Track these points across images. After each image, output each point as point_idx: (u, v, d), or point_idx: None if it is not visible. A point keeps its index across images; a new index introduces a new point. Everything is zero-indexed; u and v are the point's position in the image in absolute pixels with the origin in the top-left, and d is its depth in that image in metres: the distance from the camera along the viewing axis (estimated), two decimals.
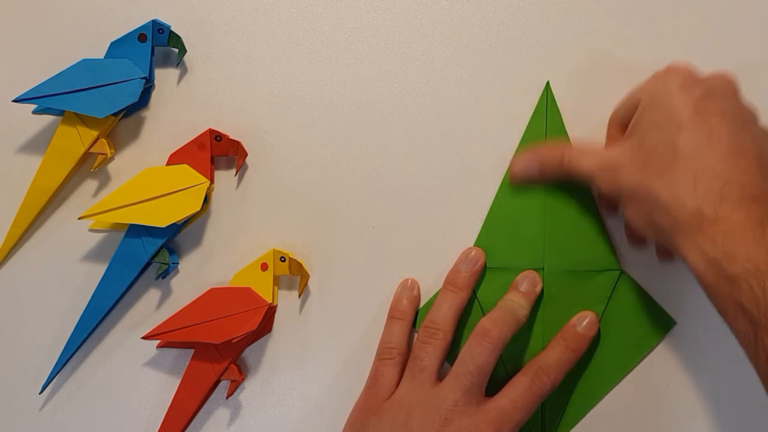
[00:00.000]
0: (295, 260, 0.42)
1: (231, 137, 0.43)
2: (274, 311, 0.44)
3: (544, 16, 0.44)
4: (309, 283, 0.44)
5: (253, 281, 0.42)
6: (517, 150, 0.42)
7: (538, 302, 0.41)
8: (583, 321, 0.40)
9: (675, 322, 0.42)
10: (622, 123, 0.39)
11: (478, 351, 0.38)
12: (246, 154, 0.44)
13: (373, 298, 0.44)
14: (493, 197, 0.43)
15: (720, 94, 0.34)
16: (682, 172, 0.32)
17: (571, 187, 0.41)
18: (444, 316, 0.40)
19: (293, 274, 0.43)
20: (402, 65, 0.44)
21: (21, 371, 0.44)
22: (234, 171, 0.44)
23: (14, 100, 0.41)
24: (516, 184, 0.42)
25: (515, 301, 0.40)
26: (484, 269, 0.42)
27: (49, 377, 0.43)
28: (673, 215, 0.32)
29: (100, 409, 0.44)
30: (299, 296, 0.44)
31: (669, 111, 0.34)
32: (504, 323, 0.39)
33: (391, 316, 0.42)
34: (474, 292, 0.42)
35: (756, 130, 0.34)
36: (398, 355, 0.41)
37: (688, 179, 0.32)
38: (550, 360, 0.39)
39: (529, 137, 0.42)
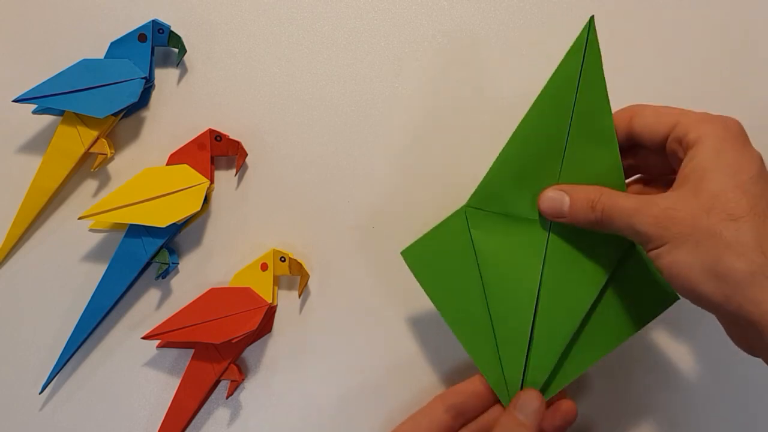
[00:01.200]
0: (295, 260, 0.42)
1: (231, 137, 0.43)
2: (274, 311, 0.44)
3: None
4: (309, 283, 0.44)
5: (253, 281, 0.42)
6: (540, 97, 0.37)
7: (538, 261, 0.38)
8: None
9: (678, 298, 0.38)
10: (644, 129, 0.36)
11: None
12: (246, 154, 0.44)
13: (373, 298, 0.44)
14: (508, 139, 0.38)
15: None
16: (761, 220, 0.30)
17: (593, 153, 0.37)
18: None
19: (293, 274, 0.43)
20: (402, 65, 0.44)
21: (21, 371, 0.44)
22: (234, 171, 0.44)
23: (14, 100, 0.41)
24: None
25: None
26: (487, 213, 0.39)
27: (49, 377, 0.43)
28: (749, 261, 0.29)
29: (100, 409, 0.44)
30: (299, 296, 0.44)
31: (735, 161, 0.32)
32: None
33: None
34: (470, 232, 0.39)
35: None
36: None
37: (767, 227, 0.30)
38: None
39: (559, 82, 0.37)
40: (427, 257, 0.40)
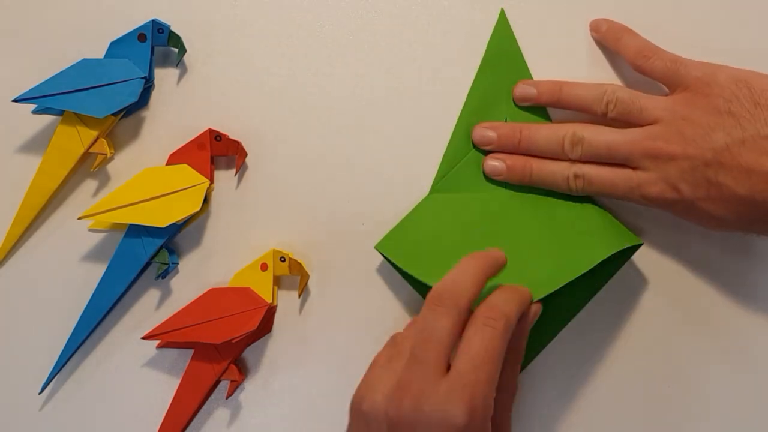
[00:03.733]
0: (295, 260, 0.42)
1: (231, 137, 0.43)
2: (274, 311, 0.44)
3: None
4: (309, 283, 0.44)
5: (253, 281, 0.42)
6: (473, 86, 0.43)
7: (500, 230, 0.40)
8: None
9: (641, 243, 0.39)
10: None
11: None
12: (246, 154, 0.44)
13: (373, 297, 0.44)
14: (454, 126, 0.43)
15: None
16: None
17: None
18: (462, 280, 0.33)
19: (293, 274, 0.43)
20: (402, 65, 0.44)
21: (21, 371, 0.44)
22: (234, 171, 0.44)
23: (14, 100, 0.41)
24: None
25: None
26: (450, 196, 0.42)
27: (49, 377, 0.43)
28: None
29: (100, 409, 0.44)
30: (299, 296, 0.44)
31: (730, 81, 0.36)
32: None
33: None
34: (440, 217, 0.41)
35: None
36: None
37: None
38: (494, 300, 0.33)
39: (486, 71, 0.43)
40: (402, 246, 0.41)
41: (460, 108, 0.43)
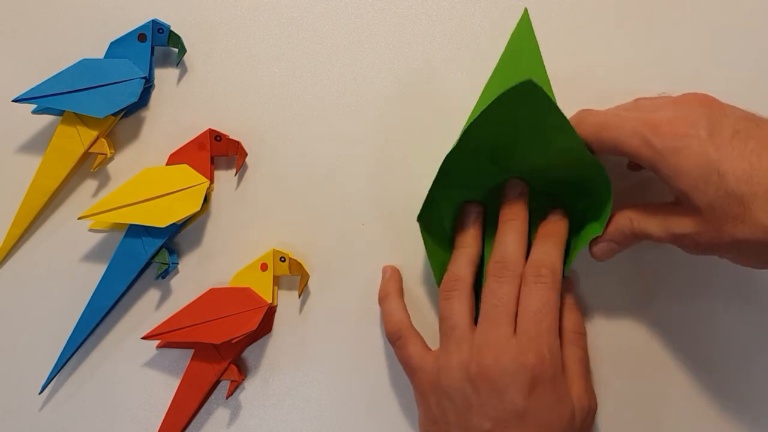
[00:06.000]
0: (295, 260, 0.42)
1: (231, 137, 0.43)
2: (274, 311, 0.44)
3: None
4: (309, 283, 0.44)
5: (253, 281, 0.42)
6: (486, 86, 0.41)
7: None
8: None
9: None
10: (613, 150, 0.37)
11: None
12: (246, 154, 0.44)
13: (373, 297, 0.43)
14: (467, 121, 0.41)
15: (716, 119, 0.34)
16: (758, 206, 0.32)
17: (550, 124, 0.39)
18: (464, 268, 0.39)
19: (293, 274, 0.43)
20: (402, 65, 0.44)
21: (21, 371, 0.44)
22: (234, 171, 0.44)
23: (14, 100, 0.41)
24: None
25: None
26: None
27: (49, 377, 0.43)
28: None
29: (100, 409, 0.44)
30: (299, 296, 0.44)
31: (694, 169, 0.33)
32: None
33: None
34: (441, 212, 0.42)
35: (758, 116, 0.34)
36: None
37: (767, 207, 0.32)
38: (536, 256, 0.38)
39: (502, 72, 0.41)
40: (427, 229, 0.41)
41: (460, 108, 0.43)
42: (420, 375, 0.39)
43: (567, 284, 0.41)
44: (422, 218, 0.40)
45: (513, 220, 0.40)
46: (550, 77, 0.40)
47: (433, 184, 0.39)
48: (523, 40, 0.41)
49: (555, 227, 0.40)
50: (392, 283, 0.43)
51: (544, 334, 0.36)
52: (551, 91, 0.40)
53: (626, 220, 0.38)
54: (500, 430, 0.35)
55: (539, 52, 0.41)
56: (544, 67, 0.41)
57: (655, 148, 0.34)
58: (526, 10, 0.41)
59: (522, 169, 0.41)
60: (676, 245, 0.36)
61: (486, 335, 0.36)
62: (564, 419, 0.36)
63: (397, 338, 0.40)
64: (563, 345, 0.38)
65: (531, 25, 0.41)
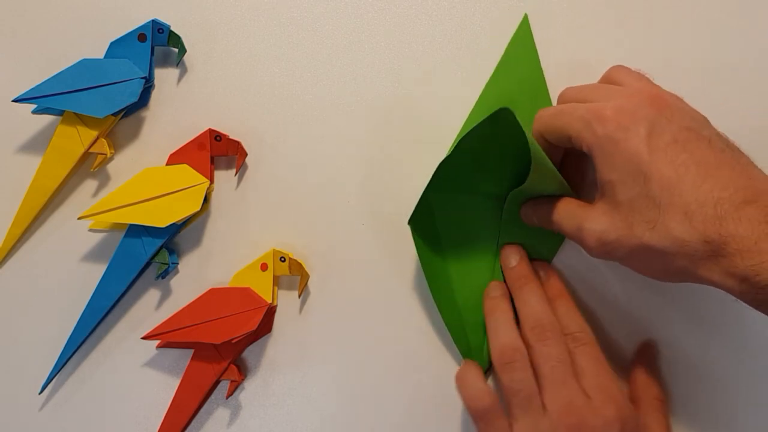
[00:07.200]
0: (295, 260, 0.42)
1: (231, 137, 0.43)
2: (274, 311, 0.44)
3: None
4: (309, 283, 0.44)
5: (253, 281, 0.42)
6: (487, 85, 0.42)
7: (494, 233, 0.43)
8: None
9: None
10: (557, 143, 0.38)
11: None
12: (246, 154, 0.44)
13: (373, 297, 0.44)
14: (462, 127, 0.43)
15: (661, 123, 0.34)
16: (672, 217, 0.32)
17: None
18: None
19: (293, 274, 0.43)
20: (402, 65, 0.44)
21: (21, 371, 0.44)
22: (234, 171, 0.44)
23: (14, 100, 0.41)
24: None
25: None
26: (448, 193, 0.42)
27: (49, 377, 0.43)
28: (685, 256, 0.32)
29: (100, 409, 0.44)
30: (299, 296, 0.44)
31: (627, 163, 0.33)
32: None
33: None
34: (434, 215, 0.42)
35: (705, 131, 0.34)
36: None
37: (680, 220, 0.32)
38: (564, 323, 0.40)
39: (500, 76, 0.42)
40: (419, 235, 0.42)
41: (460, 108, 0.43)
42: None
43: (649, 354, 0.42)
44: (413, 222, 0.40)
45: (526, 284, 0.41)
46: (550, 77, 0.40)
47: (426, 188, 0.39)
48: (522, 45, 0.42)
49: (554, 287, 0.42)
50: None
51: (610, 386, 0.37)
52: (548, 95, 0.41)
53: (548, 208, 0.39)
54: None
55: (537, 58, 0.42)
56: (542, 71, 0.41)
57: (596, 134, 0.34)
58: (526, 16, 0.42)
59: (506, 176, 0.41)
60: (582, 245, 0.36)
61: (561, 396, 0.37)
62: None
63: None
64: (645, 413, 0.40)
65: (530, 30, 0.42)
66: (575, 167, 0.41)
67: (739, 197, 0.31)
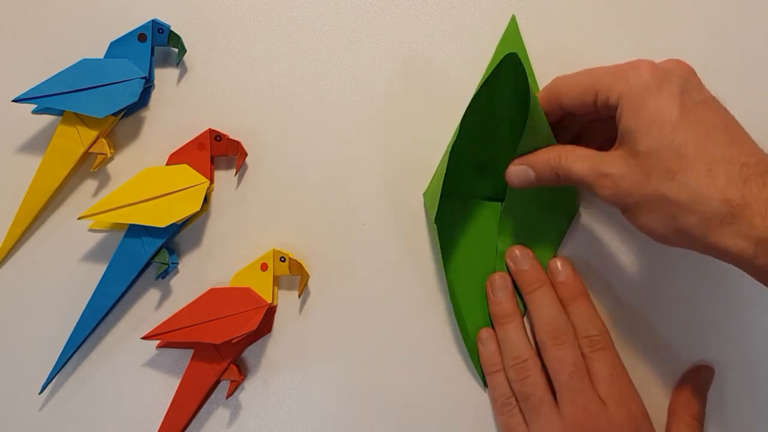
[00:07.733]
0: (295, 260, 0.42)
1: (231, 137, 0.43)
2: (274, 311, 0.44)
3: None
4: (309, 283, 0.44)
5: (253, 281, 0.42)
6: (479, 86, 0.41)
7: (493, 237, 0.43)
8: (560, 268, 0.42)
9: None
10: (572, 104, 0.38)
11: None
12: (246, 154, 0.44)
13: (373, 297, 0.44)
14: (455, 132, 0.42)
15: (693, 84, 0.35)
16: (694, 170, 0.32)
17: (535, 131, 0.40)
18: (522, 345, 0.41)
19: (293, 274, 0.43)
20: (402, 65, 0.44)
21: (21, 371, 0.44)
22: (234, 171, 0.44)
23: (14, 100, 0.41)
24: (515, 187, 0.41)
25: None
26: (443, 198, 0.41)
27: (49, 377, 0.43)
28: (700, 213, 0.32)
29: (100, 409, 0.44)
30: (299, 296, 0.44)
31: (655, 113, 0.33)
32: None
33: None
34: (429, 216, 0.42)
35: (724, 109, 0.35)
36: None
37: (702, 175, 0.32)
38: (580, 326, 0.40)
39: (492, 76, 0.41)
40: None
41: (460, 108, 0.43)
42: None
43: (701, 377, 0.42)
44: (438, 218, 0.40)
45: (540, 287, 0.41)
46: (550, 77, 0.40)
47: (444, 185, 0.39)
48: (511, 46, 0.42)
49: (575, 287, 0.41)
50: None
51: (627, 392, 0.38)
52: (537, 97, 0.41)
53: (555, 154, 0.38)
54: None
55: (527, 57, 0.43)
56: (532, 72, 0.42)
57: (630, 83, 0.34)
58: (513, 17, 0.43)
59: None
60: (594, 189, 0.36)
61: (577, 403, 0.38)
62: None
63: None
64: (677, 427, 0.41)
65: (519, 31, 0.43)
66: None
67: (763, 167, 0.32)
